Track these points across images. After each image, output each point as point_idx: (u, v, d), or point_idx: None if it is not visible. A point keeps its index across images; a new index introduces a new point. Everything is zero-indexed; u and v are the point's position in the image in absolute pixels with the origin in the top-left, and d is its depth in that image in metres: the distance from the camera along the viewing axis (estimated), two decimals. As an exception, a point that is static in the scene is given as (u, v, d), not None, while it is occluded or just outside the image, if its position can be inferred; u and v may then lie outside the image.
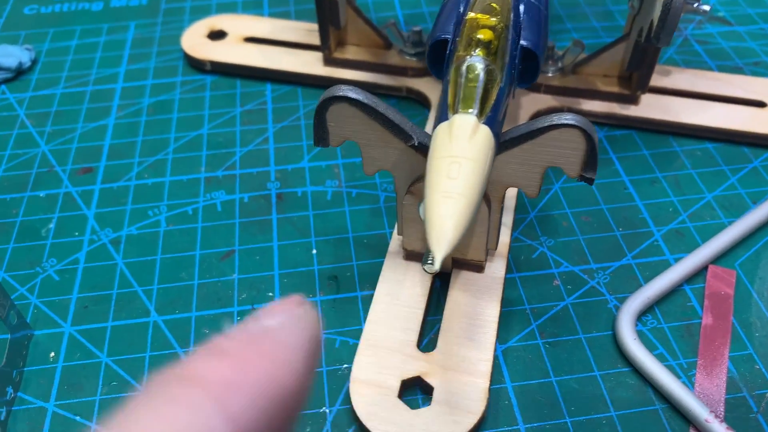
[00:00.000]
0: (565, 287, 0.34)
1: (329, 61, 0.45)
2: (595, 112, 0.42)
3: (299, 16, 0.52)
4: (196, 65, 0.47)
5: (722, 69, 0.46)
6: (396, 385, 0.29)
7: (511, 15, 0.28)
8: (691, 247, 0.35)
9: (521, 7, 0.29)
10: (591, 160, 0.27)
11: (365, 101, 0.28)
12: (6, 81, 0.47)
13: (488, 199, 0.30)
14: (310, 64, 0.45)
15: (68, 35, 0.51)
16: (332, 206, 0.38)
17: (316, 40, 0.46)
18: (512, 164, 0.28)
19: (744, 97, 0.42)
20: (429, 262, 0.28)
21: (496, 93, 0.26)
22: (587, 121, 0.27)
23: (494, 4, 0.27)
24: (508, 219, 0.36)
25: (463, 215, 0.23)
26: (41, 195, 0.39)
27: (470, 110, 0.25)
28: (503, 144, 0.28)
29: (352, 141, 0.29)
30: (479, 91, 0.25)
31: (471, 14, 0.27)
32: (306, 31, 0.48)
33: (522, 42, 0.28)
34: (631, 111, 0.42)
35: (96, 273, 0.35)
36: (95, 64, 0.48)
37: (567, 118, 0.26)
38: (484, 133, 0.24)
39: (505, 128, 0.28)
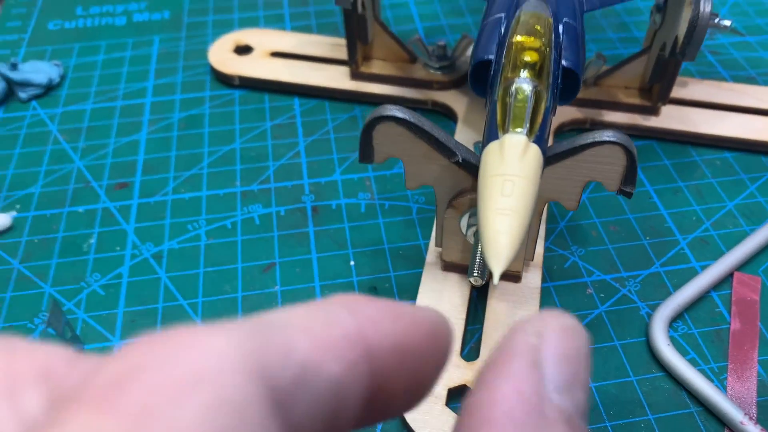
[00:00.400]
0: (598, 295, 0.35)
1: (356, 76, 0.46)
2: (617, 123, 0.43)
3: (321, 30, 0.53)
4: (224, 80, 0.48)
5: (736, 79, 0.48)
6: (443, 394, 0.30)
7: (552, 36, 0.29)
8: (716, 254, 0.37)
9: (561, 27, 0.30)
10: (630, 175, 0.28)
11: (412, 120, 0.29)
12: (36, 97, 0.48)
13: (528, 212, 0.31)
14: (337, 78, 0.46)
15: (94, 50, 0.52)
16: (366, 218, 0.39)
17: (341, 54, 0.47)
18: (555, 179, 0.30)
19: (759, 107, 0.44)
20: (475, 274, 0.30)
21: (543, 112, 0.27)
22: (627, 137, 0.28)
23: (538, 27, 0.28)
24: (541, 230, 0.37)
25: (518, 231, 0.24)
26: (80, 210, 0.40)
27: (520, 130, 0.26)
28: (547, 159, 0.29)
29: (395, 156, 0.31)
30: (528, 111, 0.26)
31: (517, 37, 0.28)
32: (330, 45, 0.49)
33: (563, 62, 0.29)
34: (653, 122, 0.43)
35: (140, 287, 0.36)
36: (123, 78, 0.49)
37: (608, 135, 0.28)
38: (535, 151, 0.26)
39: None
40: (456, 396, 0.31)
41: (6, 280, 0.36)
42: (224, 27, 0.54)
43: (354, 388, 0.12)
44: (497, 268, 0.24)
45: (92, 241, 0.38)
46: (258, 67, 0.48)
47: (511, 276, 0.34)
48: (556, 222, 0.39)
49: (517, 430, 0.11)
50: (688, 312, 0.34)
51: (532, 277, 0.34)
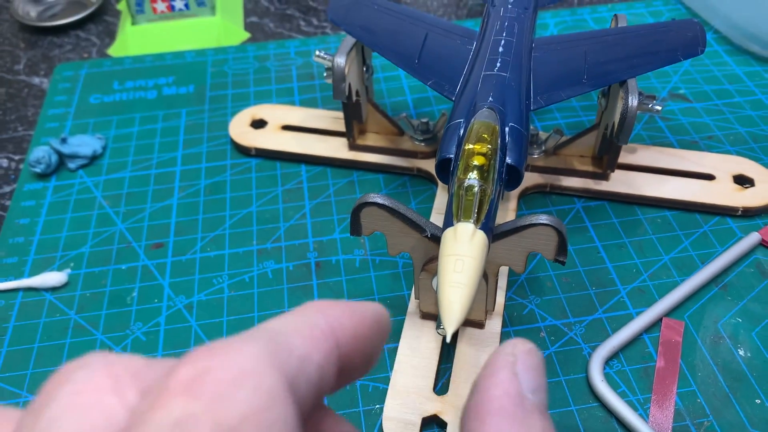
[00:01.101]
0: (549, 338, 0.43)
1: (353, 147, 0.54)
2: (573, 188, 0.51)
3: (325, 102, 0.61)
4: (243, 151, 0.56)
5: (681, 143, 0.55)
6: (418, 422, 0.38)
7: (499, 140, 0.37)
8: (650, 302, 0.44)
9: (507, 130, 0.38)
10: (562, 248, 0.36)
11: (390, 205, 0.37)
12: (83, 167, 0.56)
13: (486, 274, 0.39)
14: (337, 149, 0.55)
15: (130, 122, 0.61)
16: (360, 272, 0.47)
17: (341, 127, 0.55)
18: (503, 250, 0.37)
19: (696, 171, 0.51)
20: (441, 327, 0.37)
21: (488, 204, 0.35)
22: (558, 220, 0.36)
23: (485, 134, 0.36)
24: (503, 283, 0.45)
25: (466, 299, 0.32)
26: (123, 267, 0.48)
27: (469, 219, 0.34)
28: (496, 236, 0.37)
29: (379, 231, 0.39)
30: (475, 205, 0.34)
31: (468, 145, 0.36)
32: (332, 119, 0.57)
33: (507, 160, 0.37)
34: (603, 186, 0.51)
35: (175, 334, 0.44)
36: (156, 149, 0.58)
37: (543, 219, 0.36)
38: (480, 236, 0.34)
39: (500, 205, 0.37)
40: (429, 424, 0.39)
41: (65, 329, 0.45)
42: (242, 99, 0.62)
43: (330, 367, 0.17)
44: (450, 328, 0.31)
45: (134, 294, 0.47)
46: (271, 140, 0.56)
47: (476, 324, 0.42)
48: (518, 275, 0.46)
49: (510, 418, 0.19)
50: (623, 352, 0.42)
51: (494, 324, 0.42)
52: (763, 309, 0.44)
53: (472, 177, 0.35)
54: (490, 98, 0.39)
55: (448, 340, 0.31)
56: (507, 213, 0.49)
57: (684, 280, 0.45)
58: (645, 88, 0.61)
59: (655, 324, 0.43)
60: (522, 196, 0.51)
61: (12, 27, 0.75)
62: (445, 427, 0.38)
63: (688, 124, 0.57)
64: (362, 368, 0.19)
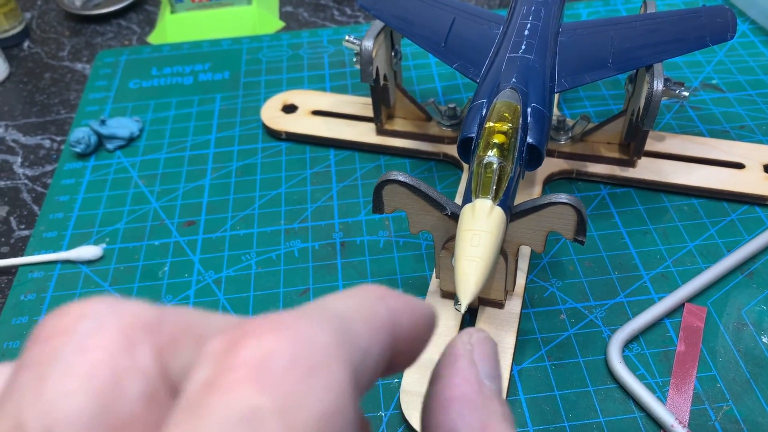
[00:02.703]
0: (569, 320, 0.43)
1: (381, 132, 0.55)
2: (599, 174, 0.51)
3: (355, 89, 0.62)
4: (274, 134, 0.58)
5: (711, 132, 0.55)
6: (435, 395, 0.38)
7: (520, 120, 0.37)
8: (673, 288, 0.44)
9: (529, 110, 0.38)
10: (581, 227, 0.36)
11: (411, 183, 0.38)
12: (120, 147, 0.58)
13: (505, 253, 0.39)
14: (365, 133, 0.56)
15: (166, 106, 0.63)
16: (384, 252, 0.48)
17: (369, 112, 0.56)
18: (522, 229, 0.38)
19: (726, 160, 0.51)
20: (458, 304, 0.38)
21: (507, 181, 0.35)
22: (577, 199, 0.36)
23: (506, 114, 0.37)
24: (524, 265, 0.45)
25: (482, 273, 0.33)
26: (156, 243, 0.50)
27: (487, 196, 0.34)
28: (516, 214, 0.37)
29: (401, 209, 0.39)
30: (494, 182, 0.34)
31: (489, 123, 0.37)
32: (361, 104, 0.58)
33: (528, 140, 0.37)
34: (630, 173, 0.50)
35: (203, 307, 0.46)
36: (190, 132, 0.60)
37: (562, 198, 0.36)
38: (498, 212, 0.34)
39: (520, 196, 0.37)
40: (446, 398, 0.39)
41: (100, 300, 0.46)
42: (274, 86, 0.64)
43: (384, 360, 0.16)
44: (464, 300, 0.32)
45: (166, 269, 0.48)
46: (301, 124, 0.57)
47: (496, 304, 0.42)
48: (540, 258, 0.47)
49: (471, 404, 0.20)
50: (643, 335, 0.42)
51: (514, 305, 0.43)
52: (789, 297, 0.43)
53: (492, 154, 0.35)
54: (513, 79, 0.40)
55: (461, 310, 0.32)
56: (532, 198, 0.49)
57: (708, 267, 0.45)
58: (677, 77, 0.61)
59: (677, 309, 0.43)
60: (548, 182, 0.51)
61: (58, 16, 0.77)
62: (462, 402, 0.38)
63: (720, 114, 0.57)
64: (408, 361, 0.19)
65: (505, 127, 0.36)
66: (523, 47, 0.42)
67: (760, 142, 0.53)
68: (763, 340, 0.41)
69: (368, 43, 0.47)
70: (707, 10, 0.47)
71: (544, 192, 0.51)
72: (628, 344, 0.42)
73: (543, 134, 0.38)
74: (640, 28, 0.46)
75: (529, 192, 0.49)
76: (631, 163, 0.51)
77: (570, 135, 0.52)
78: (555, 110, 0.56)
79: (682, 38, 0.45)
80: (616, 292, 0.44)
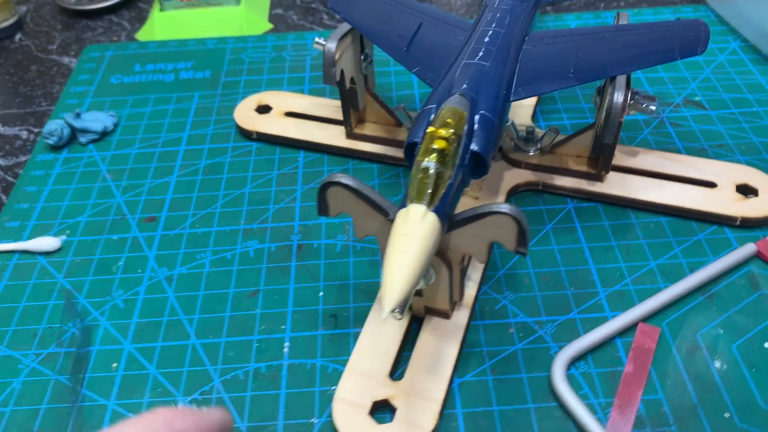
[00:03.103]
0: (518, 335, 0.42)
1: (351, 136, 0.54)
2: (566, 187, 0.50)
3: (333, 92, 0.62)
4: (245, 134, 0.57)
5: (688, 150, 0.53)
6: (368, 405, 0.38)
7: (465, 126, 0.36)
8: (629, 306, 0.43)
9: (476, 118, 0.37)
10: (522, 239, 0.35)
11: (354, 186, 0.37)
12: (93, 141, 0.58)
13: (449, 263, 0.38)
14: (336, 137, 0.55)
15: (144, 102, 0.63)
16: (340, 257, 0.47)
17: (341, 116, 0.56)
18: (464, 238, 0.37)
19: (698, 178, 0.49)
20: (395, 312, 0.37)
21: (445, 188, 0.34)
22: (518, 210, 0.35)
23: (450, 120, 0.36)
24: (476, 276, 0.44)
25: (409, 280, 0.32)
26: (114, 238, 0.50)
27: (422, 201, 0.33)
28: (456, 222, 0.36)
29: (346, 213, 0.39)
30: (429, 188, 0.34)
31: (431, 128, 0.36)
32: (335, 108, 0.57)
33: (472, 147, 0.36)
34: (597, 187, 0.49)
35: (152, 303, 0.45)
36: (164, 128, 0.60)
37: (502, 208, 0.35)
38: (431, 219, 0.33)
39: (486, 200, 0.36)
40: (380, 408, 0.38)
41: (51, 292, 0.46)
42: (254, 86, 0.63)
43: None
44: (387, 306, 0.31)
45: (121, 263, 0.48)
46: (273, 125, 0.57)
47: (441, 313, 0.41)
48: (496, 269, 0.46)
49: None
50: (592, 354, 0.41)
51: (461, 316, 0.42)
52: (748, 322, 0.42)
53: (430, 159, 0.34)
54: (465, 85, 0.39)
55: (383, 316, 0.31)
56: (494, 208, 0.48)
57: (667, 287, 0.43)
58: (661, 92, 0.59)
59: (631, 329, 0.42)
60: (513, 194, 0.50)
61: (53, 10, 0.78)
62: (395, 412, 0.37)
63: (699, 132, 0.55)
64: None
65: (447, 132, 0.35)
66: (481, 54, 0.41)
67: (738, 161, 0.52)
68: (716, 364, 0.40)
69: (331, 45, 0.46)
70: (681, 23, 0.46)
71: (509, 203, 0.50)
72: (574, 362, 0.40)
73: (489, 142, 0.37)
74: (609, 39, 0.45)
75: (492, 202, 0.48)
76: (599, 178, 0.49)
77: (539, 146, 0.51)
78: (529, 121, 0.55)
79: (650, 51, 0.43)
80: (569, 308, 0.43)
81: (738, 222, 0.47)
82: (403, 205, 0.34)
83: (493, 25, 0.44)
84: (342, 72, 0.48)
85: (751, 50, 0.63)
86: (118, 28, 0.74)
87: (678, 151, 0.53)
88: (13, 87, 0.67)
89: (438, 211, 0.34)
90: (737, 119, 0.56)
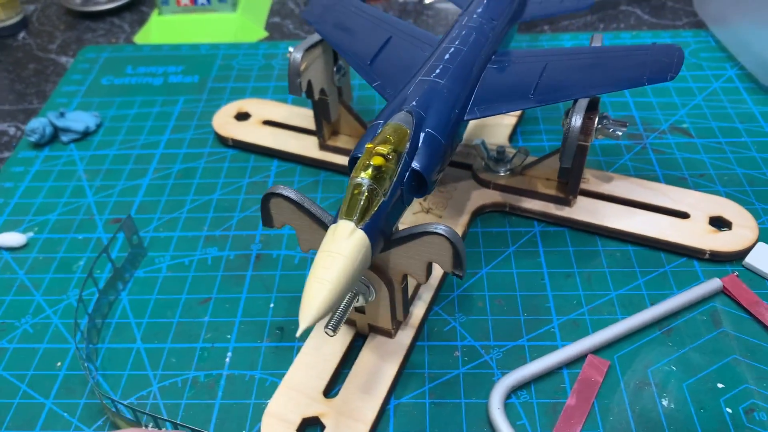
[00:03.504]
0: (463, 359, 0.41)
1: (323, 147, 0.54)
2: (532, 210, 0.48)
3: (315, 102, 0.62)
4: (222, 141, 0.58)
5: (667, 178, 0.52)
6: (297, 421, 0.37)
7: (408, 144, 0.36)
8: (582, 336, 0.41)
9: (422, 135, 0.37)
10: (457, 261, 0.35)
11: (295, 199, 0.37)
12: (75, 141, 0.59)
13: (390, 281, 0.38)
14: (309, 148, 0.55)
15: (130, 105, 0.63)
16: (297, 269, 0.47)
17: (317, 127, 0.55)
18: (402, 257, 0.36)
19: (671, 207, 0.48)
20: (329, 327, 0.36)
21: (378, 206, 0.34)
22: (453, 231, 0.34)
23: (390, 137, 0.35)
24: (426, 296, 0.43)
25: (327, 297, 0.31)
26: (79, 237, 0.50)
27: (351, 218, 0.33)
28: (394, 241, 0.36)
29: (290, 225, 0.38)
30: (359, 204, 0.33)
31: (370, 144, 0.35)
32: (312, 118, 0.57)
33: (413, 165, 0.36)
34: (564, 212, 0.48)
35: (105, 304, 0.45)
36: (145, 131, 0.60)
37: (436, 228, 0.34)
38: (359, 236, 0.33)
39: (450, 219, 0.35)
40: (310, 425, 0.38)
41: (9, 287, 0.47)
42: (239, 93, 0.64)
43: None
44: (302, 323, 0.30)
45: (81, 263, 0.48)
46: (249, 133, 0.57)
47: (384, 332, 0.40)
48: (451, 290, 0.45)
49: None
50: (536, 383, 0.39)
51: (405, 336, 0.41)
52: (704, 360, 0.40)
53: (365, 176, 0.34)
54: (414, 102, 0.38)
55: (297, 335, 0.30)
56: (457, 227, 0.47)
57: (624, 319, 0.42)
58: (647, 118, 0.58)
59: (580, 360, 0.40)
60: (478, 214, 0.49)
61: (58, 10, 0.80)
62: (324, 430, 0.37)
63: (682, 160, 0.53)
64: None
65: (385, 149, 0.35)
66: (438, 71, 0.41)
67: (717, 193, 0.50)
68: (663, 402, 0.38)
69: (297, 55, 0.46)
70: (656, 48, 0.44)
71: (474, 224, 0.49)
72: (516, 391, 0.39)
73: (432, 161, 0.36)
74: (578, 60, 0.44)
75: (454, 222, 0.48)
76: (567, 202, 0.48)
77: (509, 167, 0.50)
78: (505, 141, 0.54)
79: (618, 75, 0.42)
80: (519, 334, 0.42)
81: (707, 255, 0.45)
82: (334, 220, 0.34)
83: (456, 42, 0.43)
84: (310, 83, 0.48)
85: (747, 78, 0.62)
86: (119, 30, 0.75)
87: (657, 179, 0.52)
88: (8, 84, 0.68)
89: (367, 228, 0.33)
90: (723, 149, 0.54)
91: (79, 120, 0.59)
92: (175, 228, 0.50)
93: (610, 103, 0.60)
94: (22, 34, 0.76)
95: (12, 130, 0.62)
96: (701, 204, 0.48)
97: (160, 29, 0.72)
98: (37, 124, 0.58)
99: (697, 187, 0.51)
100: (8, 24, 0.74)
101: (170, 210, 0.52)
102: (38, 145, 0.59)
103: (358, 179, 0.34)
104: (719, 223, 0.47)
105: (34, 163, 0.57)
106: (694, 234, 0.46)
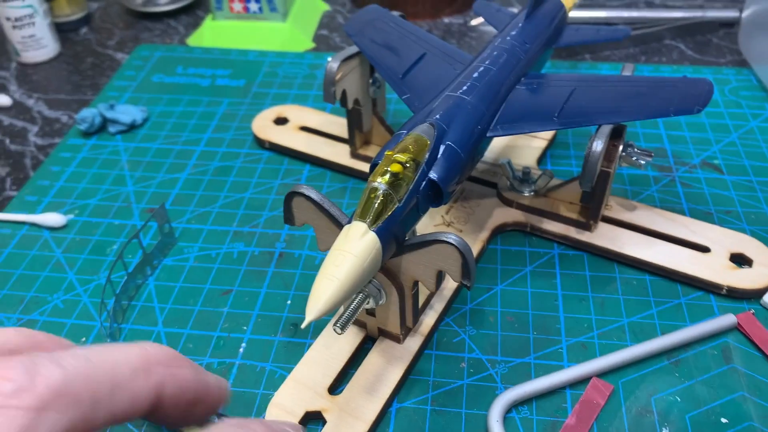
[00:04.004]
0: (469, 370, 0.42)
1: (354, 155, 0.56)
2: (553, 232, 0.49)
3: (352, 113, 0.63)
4: (259, 143, 0.60)
5: (693, 212, 0.52)
6: (300, 413, 0.38)
7: (427, 154, 0.37)
8: (588, 359, 0.42)
9: (442, 148, 0.38)
10: (466, 271, 0.36)
11: (315, 198, 0.38)
12: (122, 132, 0.62)
13: (401, 286, 0.39)
14: (341, 155, 0.56)
15: (177, 102, 0.66)
16: (317, 269, 0.47)
17: (350, 136, 0.57)
18: (412, 263, 0.37)
19: (692, 241, 0.48)
20: (337, 325, 0.38)
21: (392, 211, 0.35)
22: (463, 241, 0.35)
23: (410, 146, 0.37)
24: (438, 306, 0.44)
25: (335, 294, 0.32)
26: (115, 223, 0.53)
27: (365, 219, 0.34)
28: (407, 246, 0.37)
29: (309, 224, 0.40)
30: (374, 207, 0.34)
31: (389, 151, 0.37)
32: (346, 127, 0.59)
33: (431, 175, 0.37)
34: (584, 236, 0.48)
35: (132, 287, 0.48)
36: (188, 128, 0.63)
37: (447, 237, 0.35)
38: (370, 238, 0.34)
39: (470, 234, 0.36)
40: (312, 418, 0.39)
41: (46, 264, 0.49)
42: (280, 99, 0.66)
43: (131, 410, 0.24)
44: (308, 316, 0.32)
45: (114, 247, 0.51)
46: (285, 137, 0.59)
47: (393, 336, 0.41)
48: (464, 303, 0.46)
49: None
50: (538, 400, 0.40)
51: (413, 342, 0.42)
52: (710, 394, 0.40)
53: (380, 181, 0.35)
54: (437, 116, 0.39)
55: (302, 326, 0.32)
56: (476, 242, 0.48)
57: (633, 345, 0.42)
58: (679, 151, 0.58)
59: (584, 382, 0.41)
60: (499, 231, 0.50)
61: (119, 9, 0.84)
62: (325, 424, 0.38)
63: (710, 195, 0.53)
64: (181, 420, 0.27)
65: (404, 158, 0.36)
66: (465, 88, 0.42)
67: (742, 230, 0.50)
68: (663, 431, 0.38)
69: (333, 64, 0.48)
70: (686, 80, 0.45)
71: (493, 241, 0.50)
72: (518, 406, 0.40)
73: (450, 173, 0.37)
74: (607, 88, 0.45)
75: (474, 237, 0.48)
76: (587, 227, 0.49)
77: (533, 188, 0.51)
78: (534, 163, 0.55)
79: (644, 104, 0.43)
80: (527, 352, 0.43)
81: (724, 291, 0.45)
82: (349, 221, 0.35)
83: (487, 62, 0.44)
84: (345, 92, 0.50)
85: (786, 120, 0.61)
86: (174, 31, 0.79)
87: (682, 212, 0.52)
88: (66, 75, 0.72)
89: (380, 231, 0.34)
90: (753, 187, 0.54)
91: (127, 113, 0.62)
92: (206, 221, 0.53)
93: (643, 134, 0.60)
94: (84, 30, 0.80)
95: (65, 118, 0.65)
96: (723, 239, 0.48)
97: (212, 33, 0.75)
98: (88, 114, 0.61)
99: (722, 223, 0.50)
100: (72, 19, 0.78)
101: (204, 204, 0.54)
102: (87, 134, 0.62)
103: (375, 183, 0.35)
104: (740, 259, 0.47)
105: (81, 150, 0.60)
106: (713, 268, 0.46)
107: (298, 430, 0.31)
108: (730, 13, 0.74)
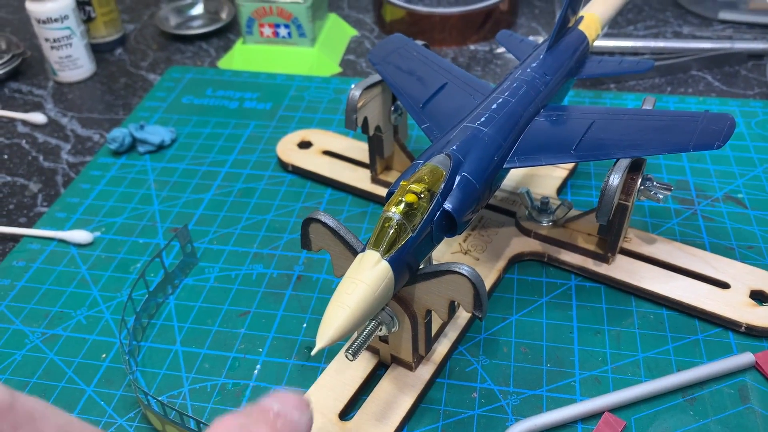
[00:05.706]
0: (480, 400, 0.42)
1: (375, 180, 0.56)
2: (570, 263, 0.49)
3: (375, 138, 0.64)
4: (283, 166, 0.61)
5: (715, 247, 0.51)
6: (313, 439, 0.39)
7: (442, 185, 0.37)
8: (602, 393, 0.41)
9: (457, 179, 0.38)
10: (478, 302, 0.36)
11: (331, 225, 0.39)
12: (150, 152, 0.64)
13: (413, 315, 0.39)
14: (361, 180, 0.57)
15: (205, 124, 0.68)
16: (332, 293, 0.49)
17: (372, 161, 0.58)
18: (425, 292, 0.38)
19: (712, 276, 0.47)
20: (349, 352, 0.38)
21: (405, 240, 0.35)
22: (476, 273, 0.35)
23: (426, 177, 0.37)
24: (452, 334, 0.44)
25: (347, 321, 0.33)
26: (140, 241, 0.54)
27: (378, 248, 0.35)
28: (420, 276, 0.37)
29: (325, 250, 0.40)
30: (387, 237, 0.35)
31: (404, 182, 0.37)
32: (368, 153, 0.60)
33: (445, 205, 0.37)
34: (602, 269, 0.48)
35: (154, 302, 0.49)
36: (215, 150, 0.64)
37: (460, 267, 0.35)
38: (383, 267, 0.34)
39: (487, 262, 0.36)
40: (322, 443, 0.39)
41: (71, 279, 0.51)
42: (305, 123, 0.67)
43: None
44: (319, 343, 0.32)
45: (138, 265, 0.52)
46: (309, 161, 0.60)
47: (405, 364, 0.42)
48: (478, 332, 0.46)
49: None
50: (549, 434, 0.40)
51: (425, 371, 0.42)
52: (725, 434, 0.39)
53: (394, 210, 0.36)
54: (454, 147, 0.40)
55: (313, 353, 0.32)
56: (492, 271, 0.48)
57: (647, 381, 0.42)
58: (702, 184, 0.57)
59: (596, 416, 0.40)
60: (516, 261, 0.50)
61: (154, 31, 0.86)
62: (332, 450, 0.38)
63: (732, 230, 0.53)
64: None
65: (419, 188, 0.37)
66: (483, 119, 0.42)
67: (765, 267, 0.49)
68: (675, 470, 0.38)
69: (355, 92, 0.49)
70: (708, 115, 0.45)
71: (510, 270, 0.50)
72: (528, 438, 0.39)
73: (464, 204, 0.38)
74: (626, 121, 0.45)
75: (490, 266, 0.49)
76: (605, 259, 0.48)
77: (552, 218, 0.51)
78: (554, 193, 0.55)
79: (664, 139, 0.43)
80: (540, 384, 0.42)
81: (743, 328, 0.45)
82: (363, 249, 0.36)
83: (506, 94, 0.45)
84: (366, 119, 0.51)
85: (814, 155, 0.60)
86: (205, 54, 0.81)
87: (703, 246, 0.51)
88: (100, 95, 0.74)
89: (393, 261, 0.35)
90: (777, 223, 0.53)
91: (156, 133, 0.64)
92: (228, 242, 0.54)
93: (666, 166, 0.60)
94: (119, 51, 0.82)
95: (96, 137, 0.67)
96: (744, 276, 0.47)
97: (242, 57, 0.77)
98: (118, 134, 0.63)
99: (743, 259, 0.50)
100: (108, 40, 0.81)
101: (226, 225, 0.55)
102: (117, 153, 0.64)
103: (389, 213, 0.36)
104: (760, 297, 0.46)
105: (110, 169, 0.62)
106: (732, 305, 0.45)
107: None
108: (759, 45, 0.74)
